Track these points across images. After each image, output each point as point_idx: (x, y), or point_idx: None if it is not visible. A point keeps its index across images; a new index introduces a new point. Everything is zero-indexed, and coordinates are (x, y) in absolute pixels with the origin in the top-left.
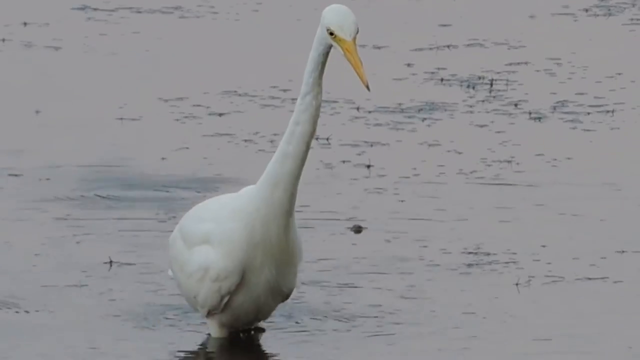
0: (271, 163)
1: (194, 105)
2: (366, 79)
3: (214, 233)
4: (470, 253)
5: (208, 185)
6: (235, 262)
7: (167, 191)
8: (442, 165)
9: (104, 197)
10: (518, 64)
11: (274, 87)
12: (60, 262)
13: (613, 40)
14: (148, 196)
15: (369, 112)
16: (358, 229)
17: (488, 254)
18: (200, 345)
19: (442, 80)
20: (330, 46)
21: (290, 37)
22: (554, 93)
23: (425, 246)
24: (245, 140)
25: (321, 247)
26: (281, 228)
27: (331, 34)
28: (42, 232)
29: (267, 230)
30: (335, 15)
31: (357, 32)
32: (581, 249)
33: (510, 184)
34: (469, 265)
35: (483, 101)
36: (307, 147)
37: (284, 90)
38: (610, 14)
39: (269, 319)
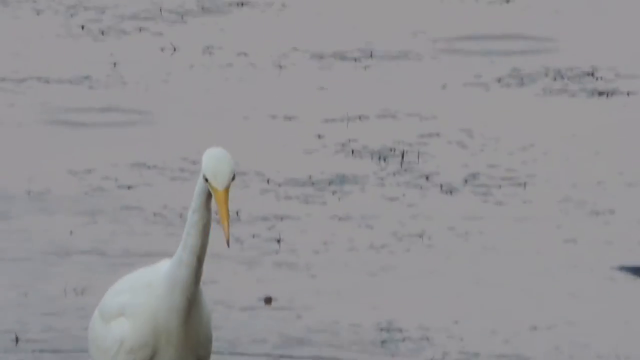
0: (170, 263)
1: (102, 178)
2: (228, 234)
3: (128, 304)
4: (382, 329)
5: (115, 260)
6: (147, 334)
7: (78, 263)
8: (352, 240)
9: None
10: (430, 135)
11: (184, 159)
12: None
13: (525, 111)
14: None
15: (279, 185)
16: (268, 300)
17: (401, 330)
18: None
19: (353, 152)
20: None
21: (200, 107)
22: (466, 165)
23: (336, 322)
24: (155, 214)
25: (233, 321)
26: (182, 319)
27: (206, 179)
28: None
29: (168, 320)
30: (212, 162)
31: (234, 178)
32: (495, 323)
33: (422, 258)
34: (383, 342)
35: (394, 174)
36: (199, 258)
37: (193, 163)
38: (522, 84)
39: None
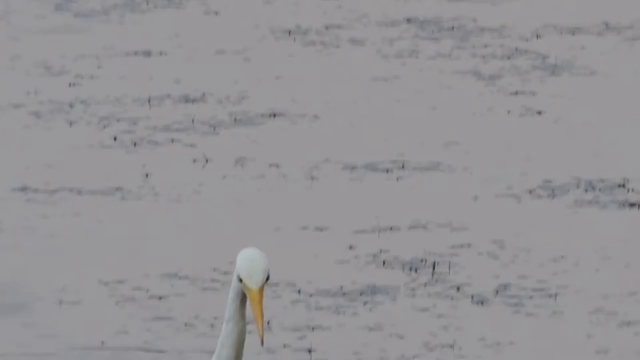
0: None
1: (133, 289)
2: (262, 333)
3: None
4: None
5: None
6: None
7: None
8: (383, 350)
9: None
10: (461, 246)
11: (215, 269)
12: None
13: (556, 223)
14: None
15: (310, 295)
16: None
17: None
18: None
19: (384, 263)
20: None
21: (232, 219)
22: (497, 276)
23: None
24: (186, 324)
25: None
26: None
27: (240, 280)
28: None
29: None
30: (246, 263)
31: (268, 278)
32: None
33: None
34: None
35: (425, 284)
36: None
37: (225, 273)
38: (554, 196)
39: None
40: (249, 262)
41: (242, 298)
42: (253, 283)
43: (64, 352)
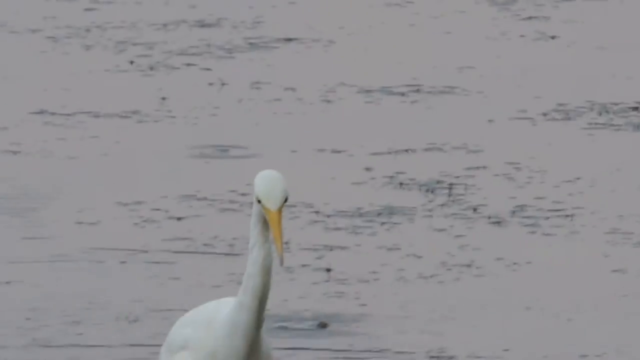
0: (231, 308)
1: (152, 209)
2: (282, 254)
3: (190, 338)
4: (433, 357)
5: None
6: None
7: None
8: (402, 269)
9: None
10: (477, 168)
11: (233, 191)
12: None
13: (571, 145)
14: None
15: (328, 216)
16: (323, 324)
17: (451, 358)
18: None
19: (400, 184)
20: None
21: (248, 141)
22: (513, 197)
23: (386, 349)
24: (205, 245)
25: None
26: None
27: (259, 201)
28: None
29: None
30: (264, 184)
31: (286, 200)
32: (544, 351)
33: (471, 287)
34: None
35: (442, 205)
36: (261, 301)
37: (243, 195)
38: (568, 118)
39: None
40: (267, 183)
41: (264, 221)
42: (272, 204)
43: (82, 270)
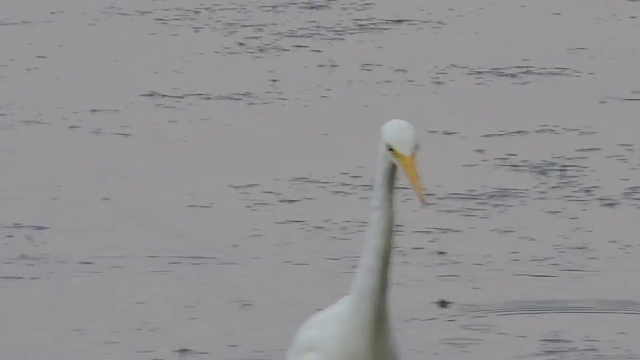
0: (356, 274)
1: (264, 192)
2: (422, 194)
3: (316, 339)
4: (548, 340)
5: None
6: None
7: (241, 276)
8: (515, 252)
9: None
10: (589, 149)
11: (345, 173)
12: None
13: None
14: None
15: (440, 198)
16: (443, 303)
17: (567, 341)
18: None
19: (513, 166)
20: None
21: (360, 123)
22: (626, 179)
23: (503, 333)
24: (317, 227)
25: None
26: (373, 339)
27: (390, 149)
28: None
29: (360, 340)
30: (394, 131)
31: (417, 147)
32: None
33: (584, 269)
34: (549, 352)
35: (554, 187)
36: (385, 261)
37: (355, 177)
38: None
39: None
40: (397, 129)
41: (390, 181)
42: (404, 149)
43: (194, 254)
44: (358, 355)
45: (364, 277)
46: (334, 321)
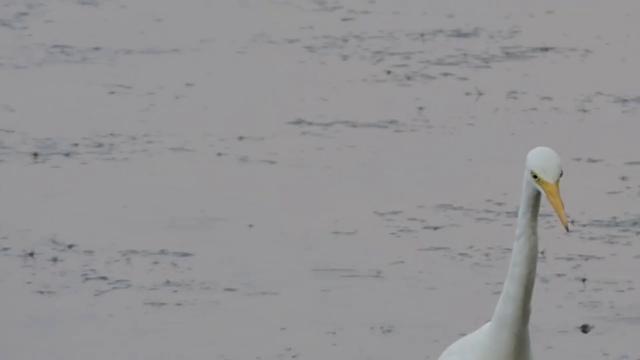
0: (498, 302)
1: (409, 219)
2: (566, 221)
3: None
4: None
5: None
6: None
7: (383, 306)
8: None
9: None
10: None
11: (489, 200)
12: None
13: None
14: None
15: (584, 225)
16: (585, 328)
17: None
18: None
19: None
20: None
21: (505, 150)
22: None
23: None
24: (460, 254)
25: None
26: None
27: (535, 176)
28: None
29: None
30: (539, 159)
31: (561, 174)
32: None
33: None
34: None
35: None
36: (526, 289)
37: (499, 204)
38: None
39: None
40: (543, 156)
41: (534, 210)
42: (549, 177)
43: (337, 280)
44: None
45: (505, 305)
46: (475, 348)
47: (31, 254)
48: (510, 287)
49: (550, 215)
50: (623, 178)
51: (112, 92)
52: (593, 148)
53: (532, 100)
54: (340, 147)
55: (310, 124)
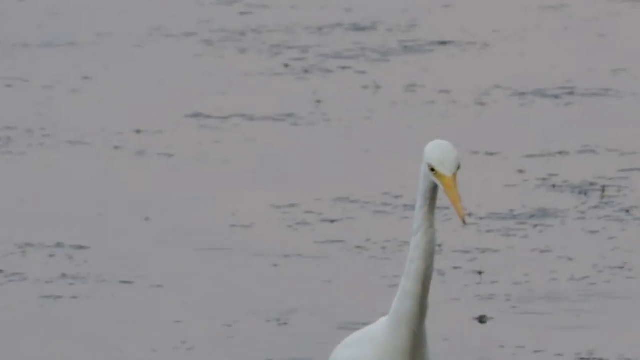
0: (395, 298)
1: (306, 212)
2: (463, 214)
3: (353, 358)
4: (583, 359)
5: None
6: None
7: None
8: (553, 272)
9: None
10: (630, 170)
11: (386, 193)
12: None
13: None
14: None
15: (481, 218)
16: (482, 319)
17: None
18: None
19: (553, 186)
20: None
21: (402, 144)
22: None
23: (540, 350)
24: (357, 247)
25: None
26: None
27: (432, 169)
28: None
29: None
30: (436, 152)
31: (459, 167)
32: None
33: (623, 289)
34: None
35: (595, 207)
36: (424, 285)
37: (396, 197)
38: None
39: None
40: (440, 150)
41: (430, 203)
42: (446, 169)
43: (233, 273)
44: None
45: (402, 301)
46: (371, 342)
47: None
48: (408, 283)
49: (447, 209)
50: (520, 171)
51: (8, 85)
52: (491, 141)
53: (430, 93)
54: (237, 140)
55: (208, 117)
